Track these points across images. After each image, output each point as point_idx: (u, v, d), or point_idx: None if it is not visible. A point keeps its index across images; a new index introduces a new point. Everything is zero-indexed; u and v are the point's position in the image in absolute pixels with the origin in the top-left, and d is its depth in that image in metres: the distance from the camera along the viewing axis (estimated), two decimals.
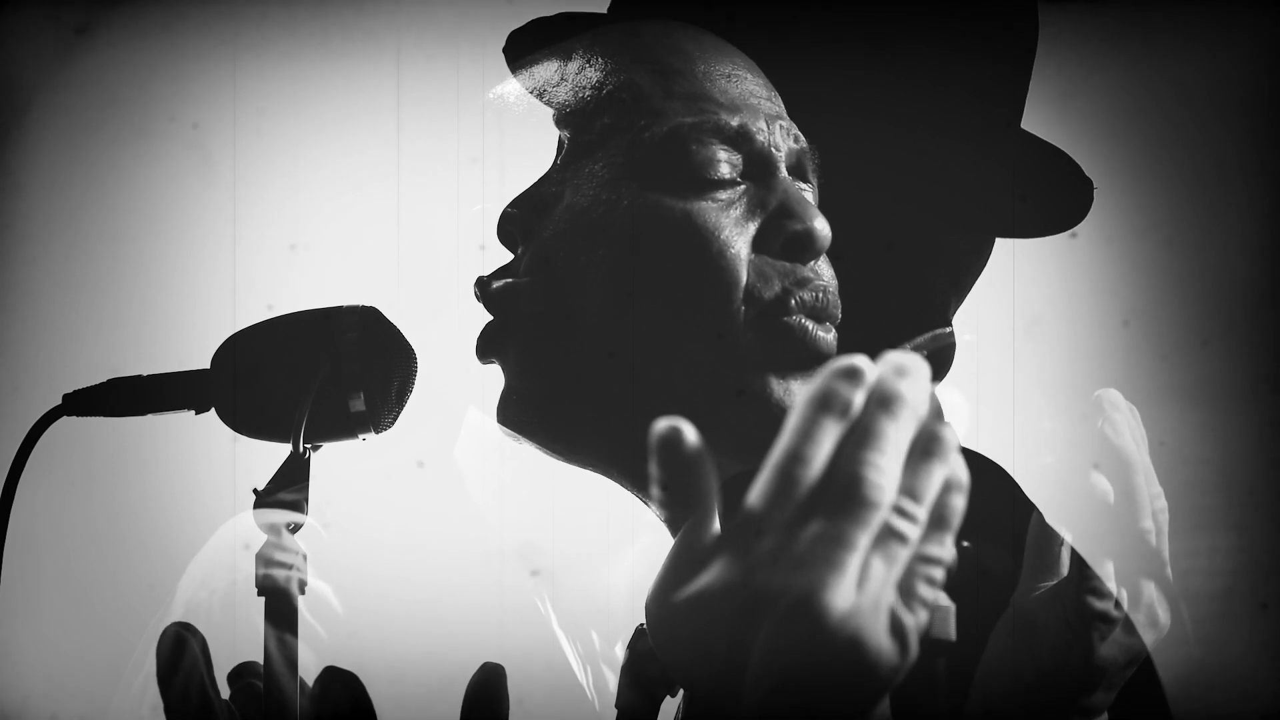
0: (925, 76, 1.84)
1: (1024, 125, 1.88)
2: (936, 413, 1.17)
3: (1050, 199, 1.85)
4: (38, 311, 1.93)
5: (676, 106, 1.62)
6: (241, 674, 1.37)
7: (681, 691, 1.49)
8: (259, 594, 1.38)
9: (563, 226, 1.62)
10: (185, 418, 1.52)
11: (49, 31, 1.92)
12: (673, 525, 1.54)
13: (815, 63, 1.80)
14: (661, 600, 1.17)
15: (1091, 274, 1.91)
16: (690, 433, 1.16)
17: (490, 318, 1.65)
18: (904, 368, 1.15)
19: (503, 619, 1.60)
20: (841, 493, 1.14)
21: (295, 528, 1.41)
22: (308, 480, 1.43)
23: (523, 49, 1.73)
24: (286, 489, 1.42)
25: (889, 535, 1.14)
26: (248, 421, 1.51)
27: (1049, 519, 1.61)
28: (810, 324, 1.60)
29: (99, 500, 1.90)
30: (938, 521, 1.15)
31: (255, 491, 1.43)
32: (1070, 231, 1.83)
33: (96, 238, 1.92)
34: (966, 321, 1.86)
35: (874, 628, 1.13)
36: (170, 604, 1.58)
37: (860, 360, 1.15)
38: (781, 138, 1.64)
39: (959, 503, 1.16)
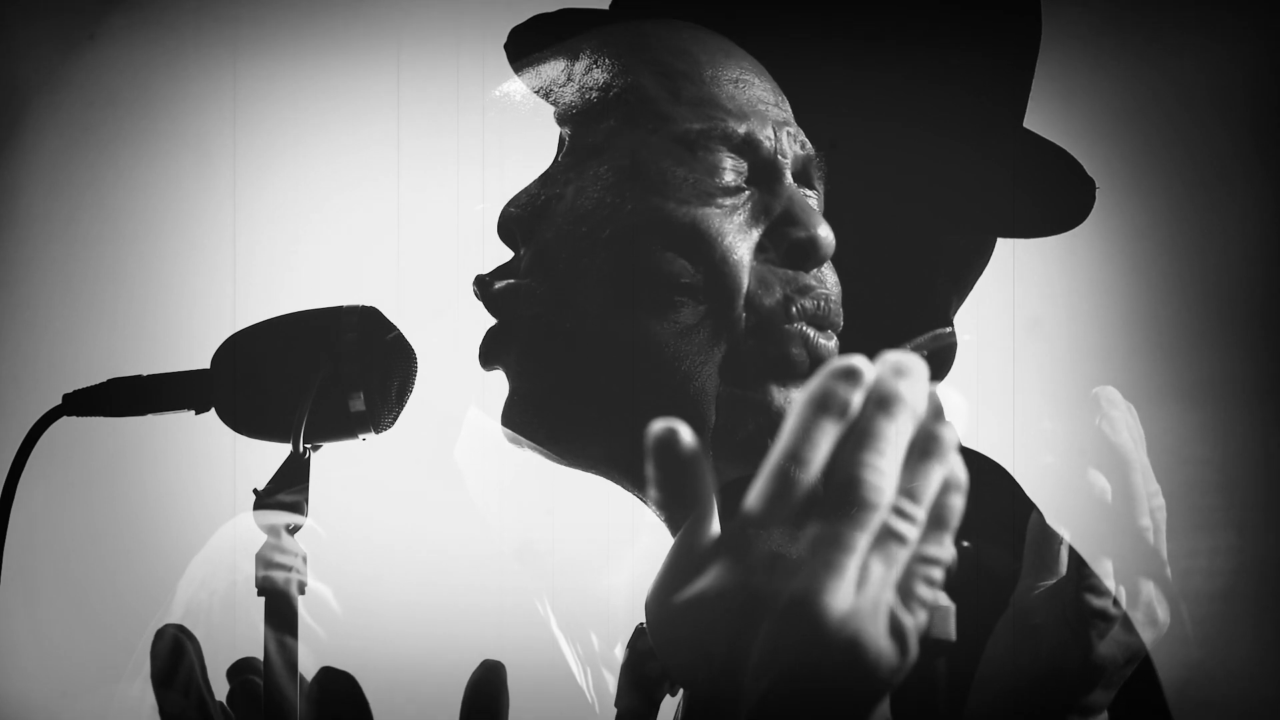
0: (927, 76, 1.84)
1: (1025, 124, 1.88)
2: (937, 412, 1.17)
3: (1052, 198, 1.85)
4: (38, 311, 1.93)
5: (684, 112, 1.61)
6: (240, 669, 1.37)
7: (681, 691, 1.49)
8: (259, 595, 1.38)
9: (565, 228, 1.62)
10: (185, 418, 1.52)
11: (50, 32, 1.92)
12: (672, 526, 1.54)
13: (816, 62, 1.80)
14: (661, 600, 1.18)
15: (1091, 274, 1.91)
16: (686, 433, 1.16)
17: (492, 322, 1.65)
18: (902, 368, 1.15)
19: (501, 620, 1.60)
20: (840, 494, 1.14)
21: (295, 529, 1.41)
22: (308, 480, 1.43)
23: (525, 46, 1.73)
24: (286, 489, 1.42)
25: (888, 536, 1.14)
26: (248, 421, 1.51)
27: (1049, 519, 1.61)
28: (811, 331, 1.60)
29: (99, 500, 1.90)
30: (936, 522, 1.15)
31: (255, 492, 1.43)
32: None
33: (96, 238, 1.92)
34: (966, 321, 1.86)
35: (873, 628, 1.13)
36: (170, 605, 1.58)
37: (858, 360, 1.15)
38: (788, 144, 1.63)
39: (957, 503, 1.16)
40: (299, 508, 1.42)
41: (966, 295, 1.89)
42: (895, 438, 1.14)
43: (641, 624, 1.51)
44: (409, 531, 1.62)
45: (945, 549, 1.16)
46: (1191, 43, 1.95)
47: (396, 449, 1.60)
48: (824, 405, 1.15)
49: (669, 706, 1.51)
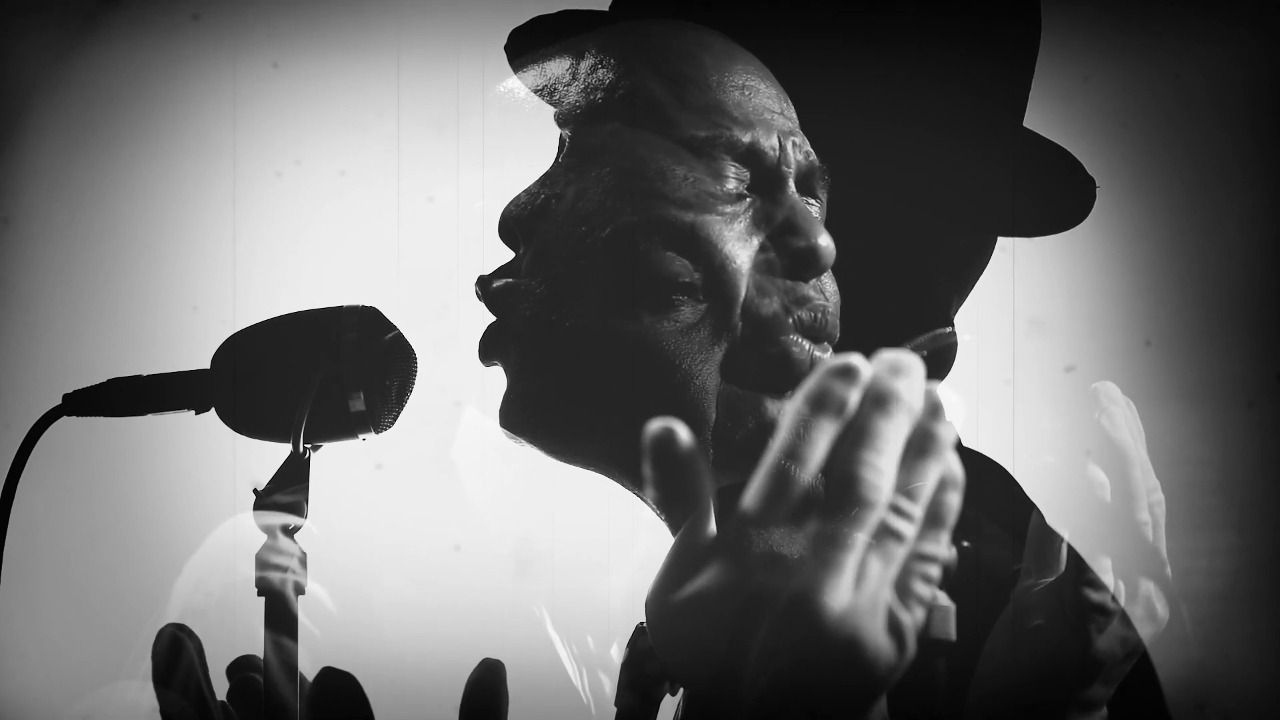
0: (927, 76, 1.84)
1: (1025, 124, 1.88)
2: (935, 410, 1.17)
3: (1052, 198, 1.85)
4: (38, 311, 1.93)
5: (690, 118, 1.61)
6: (241, 667, 1.37)
7: (681, 691, 1.49)
8: (259, 595, 1.38)
9: (565, 229, 1.61)
10: (185, 418, 1.53)
11: (50, 31, 1.92)
12: (672, 525, 1.54)
13: (815, 62, 1.80)
14: (661, 600, 1.18)
15: (1091, 273, 1.91)
16: (684, 433, 1.16)
17: (492, 319, 1.65)
18: (898, 366, 1.16)
19: (499, 620, 1.60)
20: (838, 492, 1.14)
21: (294, 529, 1.41)
22: (308, 480, 1.43)
23: (524, 47, 1.73)
24: (286, 489, 1.43)
25: (885, 534, 1.14)
26: (248, 421, 1.51)
27: (1049, 518, 1.61)
28: (807, 344, 1.60)
29: (99, 500, 1.91)
30: (933, 519, 1.16)
31: (255, 492, 1.43)
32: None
33: (96, 238, 1.92)
34: (966, 321, 1.86)
35: (872, 626, 1.13)
36: (166, 606, 1.58)
37: (855, 359, 1.16)
38: (792, 153, 1.63)
39: (954, 500, 1.16)
40: (299, 508, 1.42)
41: (967, 295, 1.89)
42: (893, 436, 1.14)
43: (641, 623, 1.51)
44: (407, 531, 1.62)
45: (942, 546, 1.16)
46: (1192, 43, 1.95)
47: (396, 449, 1.60)
48: (821, 403, 1.15)
49: (669, 706, 1.51)
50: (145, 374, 1.53)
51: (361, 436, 1.50)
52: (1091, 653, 1.58)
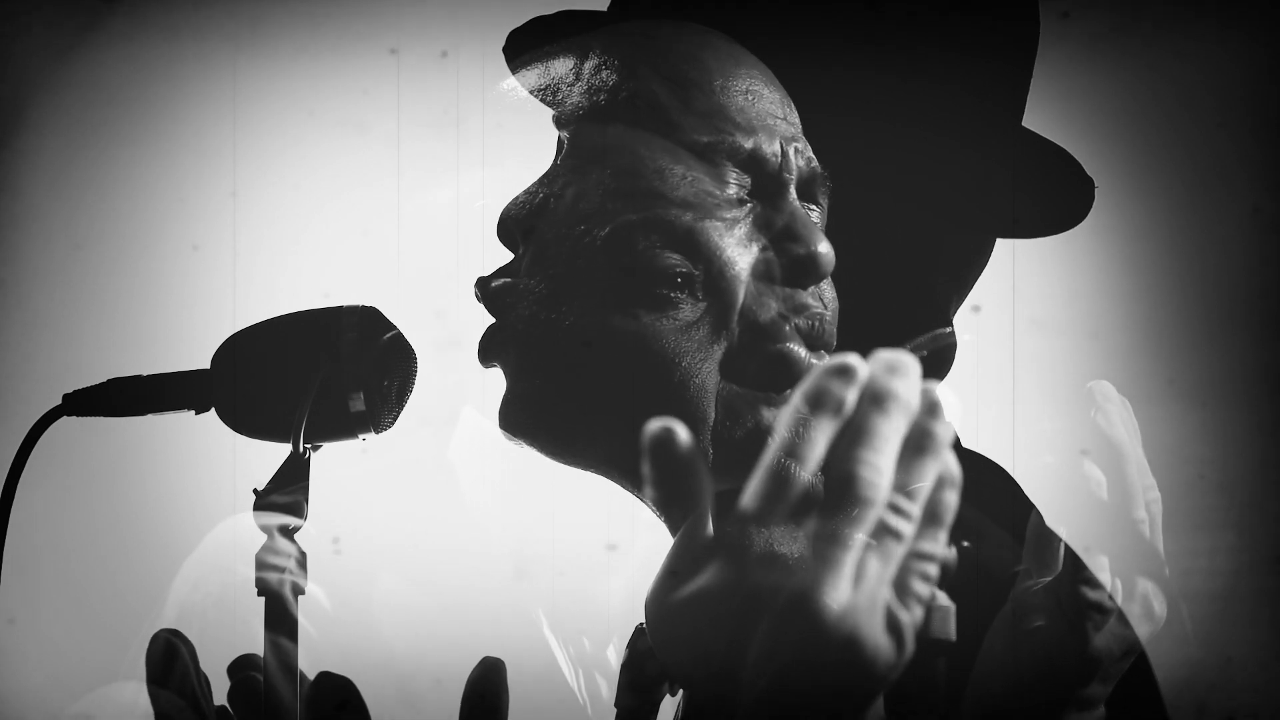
0: (926, 76, 1.84)
1: (1025, 124, 1.87)
2: (933, 409, 1.17)
3: (1052, 198, 1.85)
4: (38, 311, 1.93)
5: (693, 122, 1.61)
6: (241, 666, 1.37)
7: (681, 691, 1.49)
8: (260, 595, 1.38)
9: (564, 230, 1.61)
10: (185, 418, 1.53)
11: (50, 31, 1.92)
12: (671, 525, 1.54)
13: (816, 62, 1.80)
14: (660, 600, 1.18)
15: (1091, 274, 1.91)
16: (683, 433, 1.16)
17: (491, 320, 1.65)
18: (895, 365, 1.16)
19: (496, 621, 1.60)
20: (837, 491, 1.14)
21: (294, 530, 1.41)
22: (308, 481, 1.43)
23: (523, 48, 1.73)
24: (286, 489, 1.43)
25: (884, 532, 1.14)
26: (248, 421, 1.51)
27: (1049, 519, 1.61)
28: (804, 352, 1.60)
29: (99, 500, 1.91)
30: (931, 518, 1.16)
31: (255, 492, 1.43)
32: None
33: (96, 238, 1.92)
34: (966, 321, 1.86)
35: (870, 625, 1.13)
36: (163, 606, 1.58)
37: (852, 358, 1.16)
38: (794, 160, 1.63)
39: (952, 499, 1.17)
40: (298, 508, 1.42)
41: (966, 295, 1.89)
42: (891, 435, 1.15)
43: (641, 624, 1.51)
44: (406, 531, 1.62)
45: (940, 545, 1.16)
46: (1192, 43, 1.95)
47: (396, 449, 1.60)
48: (819, 402, 1.15)
49: (669, 706, 1.51)
50: (145, 374, 1.53)
51: (361, 436, 1.50)
52: (1089, 651, 1.58)
